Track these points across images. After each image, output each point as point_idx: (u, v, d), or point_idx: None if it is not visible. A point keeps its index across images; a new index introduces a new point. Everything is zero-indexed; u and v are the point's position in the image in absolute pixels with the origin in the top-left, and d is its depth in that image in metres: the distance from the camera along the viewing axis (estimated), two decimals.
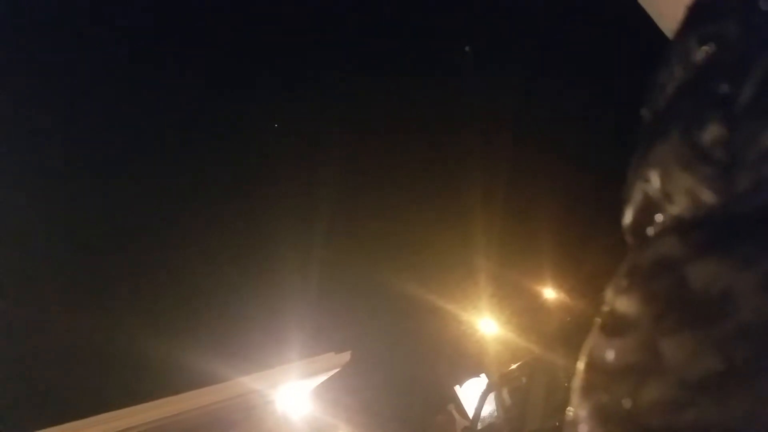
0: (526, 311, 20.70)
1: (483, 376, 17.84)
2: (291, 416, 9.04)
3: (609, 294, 0.30)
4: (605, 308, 0.30)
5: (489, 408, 9.04)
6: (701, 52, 0.29)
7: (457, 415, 15.69)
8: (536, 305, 21.06)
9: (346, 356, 8.54)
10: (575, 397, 0.30)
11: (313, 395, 10.04)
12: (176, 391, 6.51)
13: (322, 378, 8.71)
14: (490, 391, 9.22)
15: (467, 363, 21.30)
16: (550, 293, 20.94)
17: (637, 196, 0.32)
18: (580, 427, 0.28)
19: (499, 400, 8.91)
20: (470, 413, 10.17)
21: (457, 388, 19.28)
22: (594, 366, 0.29)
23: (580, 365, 0.31)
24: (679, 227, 0.28)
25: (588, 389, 0.29)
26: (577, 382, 0.30)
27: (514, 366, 9.45)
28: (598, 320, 0.31)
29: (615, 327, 0.28)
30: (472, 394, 15.84)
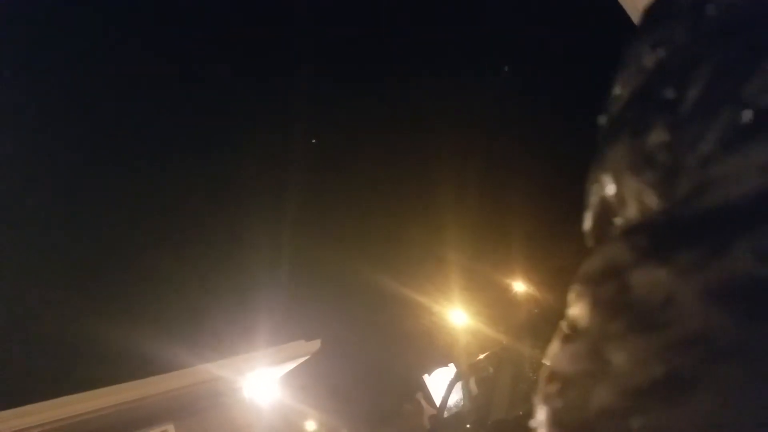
0: (495, 303, 20.99)
1: (451, 365, 18.07)
2: (259, 403, 9.01)
3: (569, 300, 0.31)
4: (566, 316, 0.31)
5: (456, 397, 9.17)
6: (651, 57, 0.30)
7: (424, 404, 15.87)
8: (506, 297, 21.38)
9: (315, 344, 8.53)
10: (537, 401, 0.30)
11: (282, 382, 10.02)
12: (141, 377, 6.43)
13: (291, 365, 8.69)
14: (458, 381, 9.34)
15: (436, 353, 21.54)
16: (519, 286, 21.27)
17: (594, 201, 0.33)
18: (539, 430, 0.29)
19: (466, 390, 9.04)
20: (438, 402, 10.29)
21: (425, 377, 19.48)
22: (552, 372, 0.29)
23: (543, 373, 0.31)
24: (626, 232, 0.28)
25: (546, 395, 0.29)
26: (539, 386, 0.31)
27: (482, 356, 9.59)
28: (562, 326, 0.31)
29: (569, 334, 0.29)
30: (441, 383, 16.02)
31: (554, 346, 0.30)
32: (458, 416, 8.17)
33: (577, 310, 0.28)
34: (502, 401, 3.57)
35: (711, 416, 0.20)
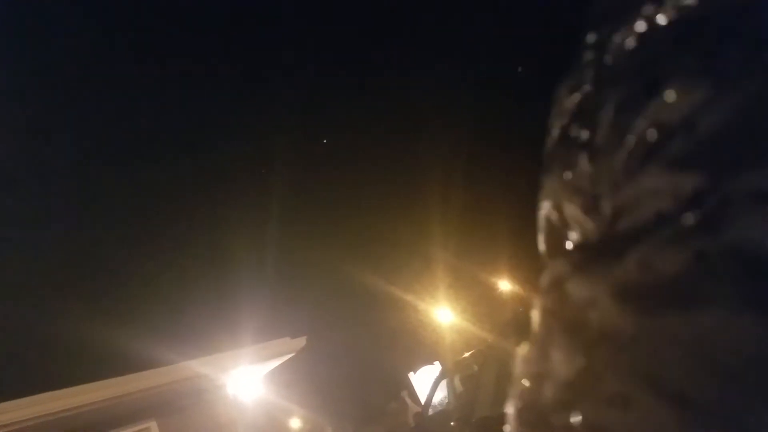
0: (481, 301, 21.10)
1: (437, 363, 18.14)
2: (243, 400, 8.96)
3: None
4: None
5: (441, 394, 9.21)
6: (570, 101, 0.34)
7: (409, 402, 15.91)
8: (491, 296, 21.50)
9: (301, 341, 8.50)
10: (508, 402, 0.34)
11: (267, 380, 9.99)
12: (123, 373, 6.38)
13: (277, 362, 8.66)
14: (443, 378, 9.37)
15: (422, 351, 21.60)
16: (505, 285, 21.40)
17: (542, 224, 0.37)
18: (505, 428, 0.33)
19: (451, 387, 9.08)
20: (423, 399, 10.32)
21: (411, 375, 19.54)
22: (518, 375, 0.33)
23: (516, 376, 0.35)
24: (567, 250, 0.33)
25: (512, 396, 0.33)
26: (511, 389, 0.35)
27: (467, 354, 9.63)
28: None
29: (531, 338, 0.32)
30: (426, 381, 16.08)
31: (524, 349, 0.34)
32: (443, 414, 8.21)
33: (534, 318, 0.32)
34: (487, 399, 3.58)
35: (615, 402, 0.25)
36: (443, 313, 21.01)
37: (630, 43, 0.30)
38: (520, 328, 3.87)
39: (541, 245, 0.38)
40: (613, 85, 0.30)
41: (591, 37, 0.33)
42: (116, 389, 6.20)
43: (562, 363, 0.27)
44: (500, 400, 3.36)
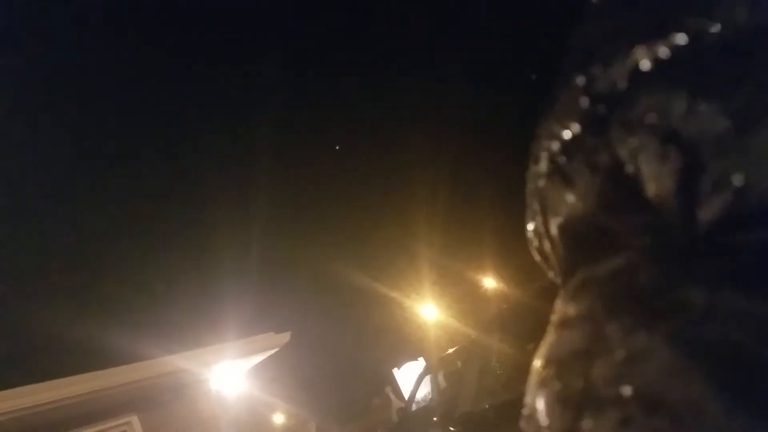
0: (466, 298, 21.20)
1: (421, 359, 18.20)
2: (226, 395, 8.92)
3: (558, 304, 0.34)
4: (555, 316, 0.34)
5: (425, 390, 9.24)
6: (556, 140, 0.35)
7: (393, 397, 15.96)
8: (476, 293, 21.62)
9: (285, 336, 8.48)
10: (530, 394, 0.33)
11: (251, 375, 9.95)
12: (104, 367, 6.31)
13: (261, 357, 8.63)
14: (427, 374, 9.41)
15: (406, 347, 21.66)
16: (489, 282, 21.53)
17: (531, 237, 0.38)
18: (539, 415, 0.31)
19: (434, 383, 9.12)
20: (407, 395, 10.36)
21: (395, 371, 19.58)
22: (548, 361, 0.32)
23: (536, 363, 0.34)
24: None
25: (542, 383, 0.32)
26: (532, 379, 0.34)
27: (451, 350, 9.67)
28: (552, 322, 0.34)
29: (566, 323, 0.32)
30: (410, 376, 16.13)
31: (549, 336, 0.33)
32: (426, 409, 8.24)
33: (577, 306, 0.32)
34: (469, 394, 3.60)
35: None
36: (428, 310, 21.07)
37: (622, 85, 0.29)
38: (503, 325, 3.90)
39: (535, 256, 0.39)
40: (607, 131, 0.30)
41: (579, 80, 0.32)
42: (97, 383, 6.14)
43: (623, 338, 0.27)
44: (482, 396, 3.38)
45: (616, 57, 0.29)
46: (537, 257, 0.40)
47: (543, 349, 0.33)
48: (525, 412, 0.33)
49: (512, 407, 2.78)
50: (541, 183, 0.36)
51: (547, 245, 0.37)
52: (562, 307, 0.33)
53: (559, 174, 0.34)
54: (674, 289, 0.26)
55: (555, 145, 0.34)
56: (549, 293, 0.41)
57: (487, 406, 3.07)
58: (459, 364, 6.86)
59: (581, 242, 0.34)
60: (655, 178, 0.27)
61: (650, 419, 0.24)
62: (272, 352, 8.57)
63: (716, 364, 0.23)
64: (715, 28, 0.26)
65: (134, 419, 6.73)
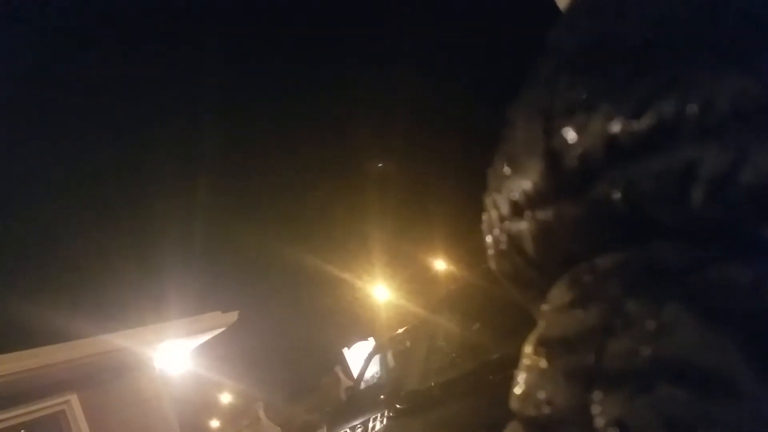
0: (416, 279, 21.52)
1: (371, 339, 18.40)
2: (170, 374, 8.75)
3: (556, 292, 0.32)
4: (550, 304, 0.33)
5: (374, 369, 9.36)
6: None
7: (342, 376, 16.09)
8: (426, 274, 21.97)
9: (233, 316, 8.36)
10: (523, 375, 0.32)
11: (198, 354, 9.79)
12: (39, 345, 6.07)
13: (208, 337, 8.50)
14: (376, 354, 9.52)
15: (357, 327, 21.86)
16: (440, 263, 21.90)
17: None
18: (538, 393, 0.30)
19: (383, 362, 9.24)
20: (356, 375, 10.46)
21: (345, 350, 19.74)
22: (544, 343, 0.31)
23: (528, 348, 0.32)
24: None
25: (539, 363, 0.31)
26: (525, 361, 0.33)
27: (400, 330, 9.80)
28: (547, 309, 0.33)
29: (569, 305, 0.31)
30: (359, 356, 16.27)
31: (545, 321, 0.32)
32: (374, 388, 8.34)
33: (583, 288, 0.30)
34: (416, 373, 3.65)
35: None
36: (379, 291, 21.28)
37: (597, 157, 0.28)
38: (451, 305, 3.96)
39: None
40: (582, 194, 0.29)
41: (544, 135, 0.31)
42: (34, 361, 5.90)
43: (645, 314, 0.26)
44: (429, 374, 3.43)
45: (591, 125, 0.29)
46: (495, 250, 0.37)
47: (536, 333, 0.33)
48: (518, 391, 0.32)
49: (458, 384, 2.84)
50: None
51: (526, 239, 0.34)
52: (561, 294, 0.32)
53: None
54: (713, 266, 0.25)
55: (520, 196, 0.33)
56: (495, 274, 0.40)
57: (433, 384, 3.12)
58: (408, 343, 6.96)
59: (576, 235, 0.32)
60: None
61: (674, 387, 0.23)
62: (219, 331, 8.45)
63: (754, 337, 0.23)
64: (693, 110, 0.25)
65: (73, 398, 6.54)
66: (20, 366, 5.76)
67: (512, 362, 0.34)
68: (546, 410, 0.29)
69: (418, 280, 21.38)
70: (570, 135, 0.30)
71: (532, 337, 0.33)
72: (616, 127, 0.28)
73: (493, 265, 0.38)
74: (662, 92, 0.27)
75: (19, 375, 5.75)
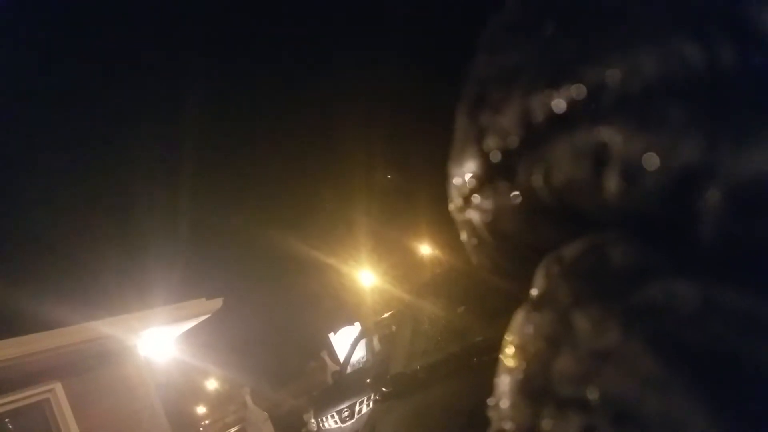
0: (402, 265, 21.62)
1: (357, 324, 18.48)
2: (156, 361, 8.73)
3: (535, 283, 0.30)
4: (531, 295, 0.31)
5: (360, 354, 9.43)
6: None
7: (329, 361, 16.17)
8: (412, 259, 22.07)
9: (218, 302, 8.34)
10: (499, 378, 0.30)
11: (183, 341, 9.77)
12: (23, 333, 6.01)
13: (193, 323, 8.47)
14: (362, 338, 9.58)
15: (343, 312, 21.93)
16: (425, 249, 22.00)
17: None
18: (502, 402, 0.29)
19: (369, 347, 9.31)
20: (342, 359, 10.52)
21: (331, 335, 19.82)
22: (514, 344, 0.30)
23: (506, 346, 0.31)
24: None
25: (508, 369, 0.29)
26: (501, 362, 0.31)
27: (386, 315, 9.86)
28: (527, 302, 0.31)
29: (535, 303, 0.29)
30: (345, 341, 16.35)
31: (518, 320, 0.30)
32: (360, 371, 8.41)
33: (547, 282, 0.28)
34: (402, 356, 3.68)
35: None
36: (365, 276, 21.33)
37: (512, 140, 0.26)
38: (436, 289, 3.99)
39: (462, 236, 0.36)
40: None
41: (471, 126, 0.29)
42: (18, 349, 5.84)
43: (590, 331, 0.23)
44: (414, 357, 3.47)
45: (507, 105, 0.26)
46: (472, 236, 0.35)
47: (513, 329, 0.31)
48: (492, 399, 0.31)
49: (442, 367, 2.87)
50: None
51: (481, 230, 0.33)
52: (534, 288, 0.30)
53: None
54: (659, 279, 0.22)
55: (463, 186, 0.31)
56: None
57: (418, 367, 3.15)
58: (393, 328, 7.02)
59: (547, 221, 0.30)
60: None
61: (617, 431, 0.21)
62: (204, 318, 8.42)
63: (705, 374, 0.19)
64: (615, 80, 0.22)
65: (57, 386, 6.50)
66: (3, 354, 5.70)
67: (495, 345, 0.34)
68: (506, 426, 0.28)
69: (404, 266, 21.49)
70: (491, 113, 0.28)
71: (511, 332, 0.31)
72: (533, 102, 0.25)
73: (473, 259, 0.36)
74: (584, 61, 0.24)
75: (2, 364, 5.69)
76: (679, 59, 0.21)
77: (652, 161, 0.21)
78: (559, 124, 0.24)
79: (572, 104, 0.23)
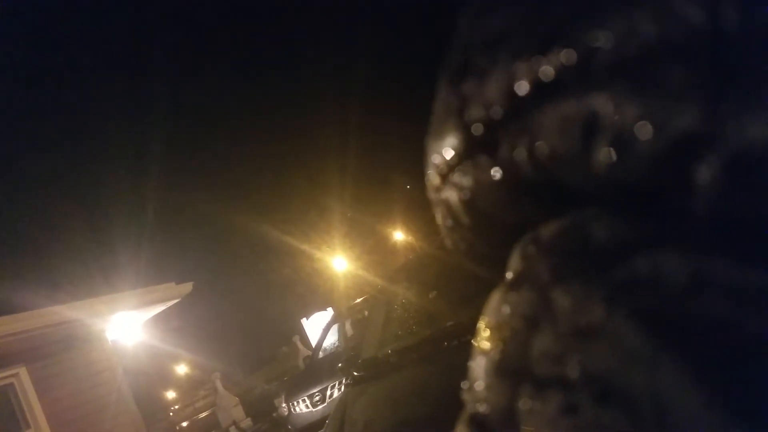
0: (375, 250, 21.67)
1: (330, 309, 18.50)
2: (124, 346, 8.61)
3: (510, 264, 0.29)
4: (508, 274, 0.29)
5: (332, 339, 9.45)
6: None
7: (300, 346, 16.19)
8: (385, 245, 22.15)
9: (187, 287, 8.25)
10: (474, 360, 0.29)
11: (152, 325, 9.65)
12: None
13: (162, 308, 8.37)
14: (334, 323, 9.60)
15: (316, 298, 21.92)
16: (399, 235, 22.09)
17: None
18: (477, 384, 0.28)
19: (342, 332, 9.34)
20: (314, 344, 10.53)
21: (303, 320, 19.82)
22: (489, 325, 0.28)
23: (481, 325, 0.30)
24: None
25: (482, 350, 0.28)
26: (476, 344, 0.30)
27: (359, 300, 9.89)
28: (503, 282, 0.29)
29: (512, 283, 0.27)
30: (318, 326, 16.37)
31: (493, 301, 0.29)
32: (332, 357, 8.44)
33: (524, 261, 0.27)
34: (374, 340, 3.71)
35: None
36: (338, 262, 21.33)
37: (497, 111, 0.25)
38: (408, 274, 4.02)
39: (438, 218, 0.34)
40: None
41: (452, 98, 0.28)
42: None
43: (571, 308, 0.22)
44: (386, 341, 3.50)
45: (492, 72, 0.25)
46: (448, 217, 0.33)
47: (488, 310, 0.29)
48: (466, 382, 0.29)
49: (414, 351, 2.91)
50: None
51: (458, 209, 0.31)
52: (511, 267, 0.28)
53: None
54: (645, 252, 0.21)
55: (442, 162, 0.30)
56: None
57: (390, 351, 3.18)
58: (366, 313, 7.05)
59: (528, 198, 0.29)
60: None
61: (600, 410, 0.20)
62: (173, 302, 8.33)
63: (694, 348, 0.19)
64: (608, 43, 0.21)
65: (22, 370, 6.37)
66: None
67: (466, 329, 0.33)
68: (481, 408, 0.27)
69: (377, 251, 21.55)
70: (475, 82, 0.26)
71: (486, 313, 0.30)
72: (520, 69, 0.24)
73: (447, 243, 0.35)
74: (575, 23, 0.22)
75: None
76: (678, 19, 0.20)
77: (645, 130, 0.20)
78: (546, 92, 0.23)
79: (561, 71, 0.22)
